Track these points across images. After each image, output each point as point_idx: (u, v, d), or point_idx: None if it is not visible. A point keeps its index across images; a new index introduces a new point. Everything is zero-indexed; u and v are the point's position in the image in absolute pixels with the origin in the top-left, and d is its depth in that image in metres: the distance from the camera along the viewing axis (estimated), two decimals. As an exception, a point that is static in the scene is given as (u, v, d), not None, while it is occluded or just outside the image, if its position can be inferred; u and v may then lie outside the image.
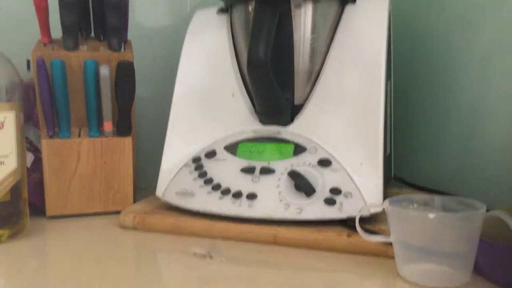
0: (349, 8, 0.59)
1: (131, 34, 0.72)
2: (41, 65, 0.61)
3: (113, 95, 0.64)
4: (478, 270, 0.41)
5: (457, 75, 0.66)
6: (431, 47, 0.70)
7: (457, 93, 0.66)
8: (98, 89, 0.63)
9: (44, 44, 0.66)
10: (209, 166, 0.57)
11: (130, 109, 0.65)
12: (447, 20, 0.67)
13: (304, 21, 0.58)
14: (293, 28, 0.57)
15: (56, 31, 0.66)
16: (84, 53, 0.65)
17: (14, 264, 0.48)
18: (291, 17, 0.57)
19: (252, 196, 0.53)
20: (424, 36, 0.71)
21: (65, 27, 0.64)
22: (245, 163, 0.56)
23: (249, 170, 0.55)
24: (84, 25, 0.69)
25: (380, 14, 0.58)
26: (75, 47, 0.65)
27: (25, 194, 0.56)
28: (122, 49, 0.67)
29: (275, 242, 0.51)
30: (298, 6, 0.57)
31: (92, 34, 0.70)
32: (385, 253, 0.46)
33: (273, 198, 0.52)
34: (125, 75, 0.63)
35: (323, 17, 0.58)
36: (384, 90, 0.54)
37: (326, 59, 0.58)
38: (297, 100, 0.59)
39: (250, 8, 0.59)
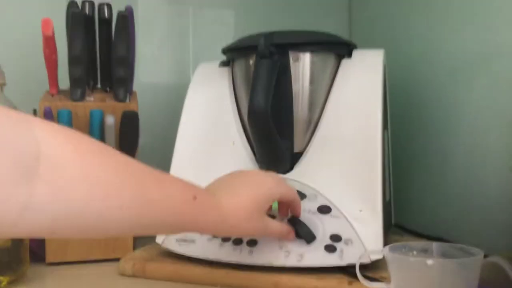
0: (345, 62, 0.62)
1: (136, 85, 0.74)
2: (48, 114, 0.63)
3: (118, 144, 0.65)
4: (479, 317, 0.41)
5: (453, 124, 0.67)
6: (427, 97, 0.72)
7: (453, 141, 0.67)
8: (103, 137, 0.65)
9: (52, 95, 0.68)
10: (210, 213, 0.57)
11: (133, 156, 0.66)
12: (442, 71, 0.70)
13: (302, 73, 0.60)
14: (292, 80, 0.60)
15: (64, 81, 0.68)
16: (90, 104, 0.67)
17: (12, 311, 0.48)
18: (290, 70, 0.60)
19: (252, 243, 0.53)
20: (419, 87, 0.74)
21: (73, 79, 0.66)
22: (245, 210, 0.56)
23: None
24: (91, 76, 0.71)
25: (375, 68, 0.60)
26: (82, 98, 0.67)
27: (26, 240, 0.56)
28: (128, 100, 0.69)
29: (275, 289, 0.51)
30: (297, 59, 0.60)
31: (99, 85, 0.72)
32: (386, 301, 0.46)
33: (274, 245, 0.53)
34: (129, 125, 0.65)
35: (320, 69, 0.61)
36: (381, 139, 0.56)
37: (325, 109, 0.60)
38: (296, 148, 0.61)
39: (251, 61, 0.62)
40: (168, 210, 0.38)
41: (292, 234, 0.52)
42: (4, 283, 0.53)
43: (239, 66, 0.65)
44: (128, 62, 0.68)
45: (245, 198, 0.45)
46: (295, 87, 0.60)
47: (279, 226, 0.51)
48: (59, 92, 0.69)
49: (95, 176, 0.33)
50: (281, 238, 0.52)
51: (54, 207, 0.31)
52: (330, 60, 0.62)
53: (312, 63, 0.61)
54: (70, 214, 0.32)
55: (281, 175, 0.57)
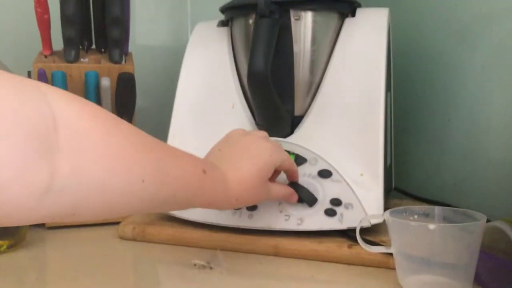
0: (348, 21, 0.60)
1: (132, 46, 0.72)
2: (42, 76, 0.61)
3: (114, 106, 0.64)
4: (478, 281, 0.41)
5: (457, 86, 0.66)
6: (431, 59, 0.70)
7: (457, 104, 0.66)
8: (99, 100, 0.64)
9: (45, 56, 0.66)
10: (209, 177, 0.57)
11: (130, 120, 0.65)
12: (447, 32, 0.68)
13: (304, 33, 0.58)
14: (293, 40, 0.58)
15: (58, 43, 0.66)
16: (85, 65, 0.66)
17: (13, 275, 0.48)
18: (291, 30, 0.58)
19: (252, 207, 0.53)
20: (423, 48, 0.72)
21: (66, 39, 0.64)
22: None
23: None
24: (85, 37, 0.69)
25: (379, 27, 0.58)
26: (76, 59, 0.66)
27: (24, 204, 0.56)
28: (123, 61, 0.68)
29: (275, 253, 0.51)
30: (298, 18, 0.58)
31: (94, 45, 0.70)
32: (386, 264, 0.46)
33: (273, 209, 0.52)
34: (125, 87, 0.63)
35: (323, 29, 0.59)
36: (384, 102, 0.55)
37: (326, 71, 0.59)
38: (297, 111, 0.60)
39: (250, 21, 0.60)
40: (183, 184, 0.38)
41: (295, 196, 0.51)
42: (4, 247, 0.53)
43: (238, 25, 0.63)
44: (123, 23, 0.66)
45: (248, 171, 0.45)
46: (296, 47, 0.58)
47: (282, 189, 0.50)
48: (53, 53, 0.67)
49: (116, 148, 0.32)
50: (284, 200, 0.51)
51: (77, 186, 0.29)
52: (333, 19, 0.60)
53: (314, 22, 0.59)
54: (92, 191, 0.30)
55: (280, 139, 0.56)
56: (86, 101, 0.32)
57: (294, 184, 0.52)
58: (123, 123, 0.35)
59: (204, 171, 0.40)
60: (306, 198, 0.51)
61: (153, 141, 0.37)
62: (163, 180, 0.36)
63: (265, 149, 0.47)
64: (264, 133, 0.51)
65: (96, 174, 0.30)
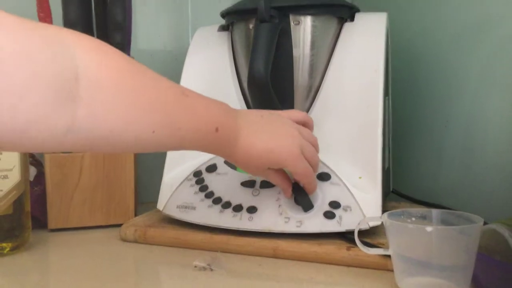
0: (347, 26, 0.60)
1: (133, 51, 0.73)
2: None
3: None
4: (476, 283, 0.41)
5: (455, 90, 0.67)
6: (429, 63, 0.71)
7: (454, 108, 0.67)
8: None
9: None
10: (210, 180, 0.58)
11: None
12: (445, 37, 0.68)
13: (303, 38, 0.59)
14: (293, 45, 0.59)
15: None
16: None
17: (16, 277, 0.48)
18: (290, 34, 0.58)
19: (252, 210, 0.54)
20: (421, 52, 0.72)
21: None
22: (245, 176, 0.56)
23: (249, 184, 0.56)
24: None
25: (378, 32, 0.59)
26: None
27: (27, 207, 0.57)
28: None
29: (275, 255, 0.51)
30: (298, 23, 0.59)
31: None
32: (384, 266, 0.47)
33: (273, 212, 0.53)
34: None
35: (322, 34, 0.60)
36: (382, 106, 0.55)
37: (325, 75, 0.59)
38: (296, 115, 0.60)
39: (251, 26, 0.60)
40: (193, 139, 0.41)
41: (289, 191, 0.52)
42: (7, 249, 0.54)
43: (238, 30, 0.63)
44: (125, 27, 0.67)
45: (260, 151, 0.46)
46: (296, 52, 0.59)
47: (279, 179, 0.51)
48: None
49: (131, 100, 0.34)
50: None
51: (94, 131, 0.33)
52: (332, 23, 0.60)
53: (313, 27, 0.59)
54: (106, 135, 0.34)
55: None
56: (110, 51, 0.35)
57: (297, 186, 0.52)
58: (145, 75, 0.37)
59: (217, 129, 0.42)
60: (302, 203, 0.52)
61: (171, 91, 0.39)
62: (173, 133, 0.38)
63: (289, 153, 0.47)
64: (313, 138, 0.51)
65: (110, 122, 0.33)
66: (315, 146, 0.51)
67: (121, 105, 0.34)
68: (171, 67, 0.85)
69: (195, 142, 0.42)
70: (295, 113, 0.52)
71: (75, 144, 0.33)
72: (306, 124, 0.52)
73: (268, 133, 0.46)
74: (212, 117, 0.42)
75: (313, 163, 0.50)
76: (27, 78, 0.28)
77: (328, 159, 0.55)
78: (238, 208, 0.54)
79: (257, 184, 0.55)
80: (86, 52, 0.33)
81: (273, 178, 0.51)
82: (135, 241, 0.57)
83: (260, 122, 0.47)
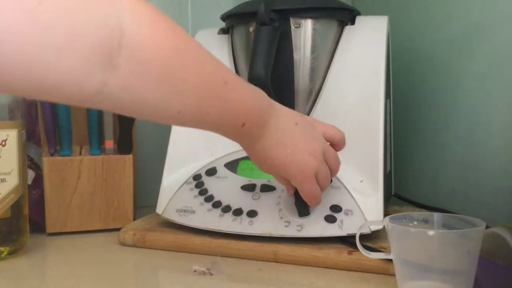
0: (348, 29, 0.60)
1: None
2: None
3: (115, 113, 0.64)
4: (478, 287, 0.41)
5: (456, 94, 0.66)
6: (430, 67, 0.71)
7: (456, 111, 0.66)
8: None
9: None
10: (210, 184, 0.57)
11: (131, 127, 0.65)
12: (446, 40, 0.68)
13: (304, 41, 0.59)
14: (293, 48, 0.58)
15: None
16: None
17: (13, 281, 0.48)
18: (291, 37, 0.58)
19: (252, 214, 0.53)
20: (422, 56, 0.72)
21: None
22: (245, 180, 0.56)
23: (249, 188, 0.55)
24: None
25: (379, 35, 0.59)
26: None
27: (25, 211, 0.56)
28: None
29: (275, 259, 0.51)
30: (298, 26, 0.58)
31: None
32: (385, 270, 0.46)
33: (274, 215, 0.53)
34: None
35: (322, 37, 0.60)
36: (384, 109, 0.55)
37: (326, 78, 0.59)
38: (297, 118, 0.60)
39: (251, 29, 0.60)
40: (216, 123, 0.40)
41: (291, 192, 0.51)
42: (5, 253, 0.53)
43: (238, 33, 0.63)
44: None
45: (273, 159, 0.45)
46: (296, 55, 0.59)
47: (284, 182, 0.50)
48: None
49: (167, 78, 0.34)
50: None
51: (123, 99, 0.32)
52: (333, 27, 0.60)
53: (314, 30, 0.59)
54: (135, 108, 0.34)
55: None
56: (163, 26, 0.34)
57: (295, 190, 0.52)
58: (191, 55, 0.36)
59: (243, 125, 0.41)
60: (300, 208, 0.51)
61: (213, 80, 0.38)
62: (199, 116, 0.38)
63: (310, 170, 0.46)
64: (336, 162, 0.49)
65: (141, 95, 0.33)
66: (334, 170, 0.49)
67: (158, 84, 0.33)
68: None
69: (219, 129, 0.41)
70: (332, 130, 0.50)
71: (102, 105, 0.32)
72: (337, 146, 0.50)
73: (291, 145, 0.45)
74: (243, 110, 0.41)
75: (322, 186, 0.49)
76: (65, 34, 0.27)
77: (329, 162, 0.54)
78: (238, 212, 0.54)
79: (257, 188, 0.55)
80: (138, 22, 0.31)
81: (279, 180, 0.50)
82: (134, 245, 0.57)
83: (292, 130, 0.46)
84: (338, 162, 0.50)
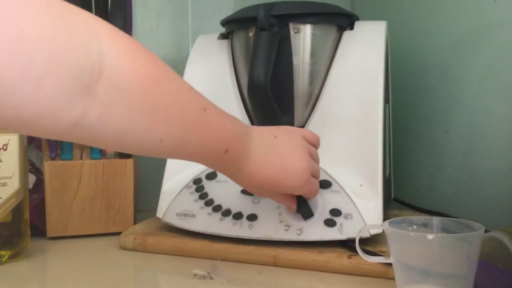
0: (347, 34, 0.61)
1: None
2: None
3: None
4: (477, 291, 0.41)
5: (455, 97, 0.67)
6: (429, 70, 0.71)
7: (455, 115, 0.67)
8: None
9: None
10: (210, 188, 0.57)
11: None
12: (444, 44, 0.69)
13: (303, 46, 0.59)
14: (293, 53, 0.59)
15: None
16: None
17: (14, 285, 0.48)
18: (290, 42, 0.59)
19: (252, 217, 0.54)
20: (421, 59, 0.73)
21: None
22: (245, 184, 0.56)
23: (249, 192, 0.55)
24: None
25: (377, 40, 0.59)
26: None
27: (26, 215, 0.56)
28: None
29: (275, 263, 0.51)
30: (297, 31, 0.59)
31: None
32: (385, 274, 0.47)
33: (274, 219, 0.53)
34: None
35: (321, 42, 0.60)
36: (383, 113, 0.55)
37: (325, 82, 0.59)
38: (296, 123, 0.60)
39: (251, 34, 0.61)
40: (201, 156, 0.41)
41: (293, 209, 0.51)
42: (6, 257, 0.53)
43: (238, 38, 0.63)
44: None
45: (266, 177, 0.45)
46: (296, 60, 0.59)
47: (284, 201, 0.50)
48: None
49: (147, 107, 0.34)
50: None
51: (103, 130, 0.32)
52: (332, 32, 0.60)
53: (313, 35, 0.59)
54: (115, 138, 0.33)
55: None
56: (141, 54, 0.33)
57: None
58: (169, 84, 0.36)
59: (226, 151, 0.41)
60: (302, 211, 0.51)
61: (192, 108, 0.38)
62: (181, 145, 0.38)
63: (299, 178, 0.46)
64: (318, 158, 0.50)
65: (121, 126, 0.32)
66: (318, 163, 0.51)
67: (137, 112, 0.33)
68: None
69: (202, 158, 0.41)
70: (310, 134, 0.50)
71: (80, 138, 0.32)
72: (315, 147, 0.51)
73: (280, 157, 0.45)
74: (224, 136, 0.41)
75: (318, 179, 0.50)
76: (46, 62, 0.27)
77: (329, 166, 0.55)
78: (238, 216, 0.54)
79: (257, 192, 0.55)
80: (117, 51, 0.31)
81: (278, 199, 0.50)
82: (134, 249, 0.57)
83: (273, 145, 0.45)
84: (318, 159, 0.51)
